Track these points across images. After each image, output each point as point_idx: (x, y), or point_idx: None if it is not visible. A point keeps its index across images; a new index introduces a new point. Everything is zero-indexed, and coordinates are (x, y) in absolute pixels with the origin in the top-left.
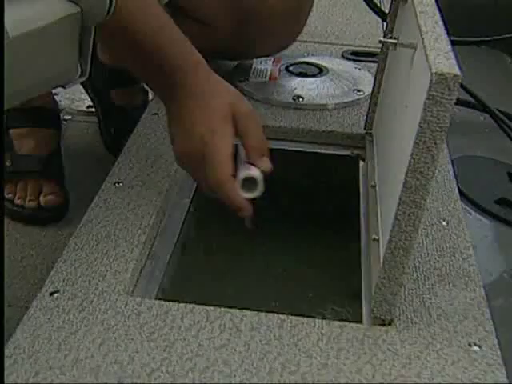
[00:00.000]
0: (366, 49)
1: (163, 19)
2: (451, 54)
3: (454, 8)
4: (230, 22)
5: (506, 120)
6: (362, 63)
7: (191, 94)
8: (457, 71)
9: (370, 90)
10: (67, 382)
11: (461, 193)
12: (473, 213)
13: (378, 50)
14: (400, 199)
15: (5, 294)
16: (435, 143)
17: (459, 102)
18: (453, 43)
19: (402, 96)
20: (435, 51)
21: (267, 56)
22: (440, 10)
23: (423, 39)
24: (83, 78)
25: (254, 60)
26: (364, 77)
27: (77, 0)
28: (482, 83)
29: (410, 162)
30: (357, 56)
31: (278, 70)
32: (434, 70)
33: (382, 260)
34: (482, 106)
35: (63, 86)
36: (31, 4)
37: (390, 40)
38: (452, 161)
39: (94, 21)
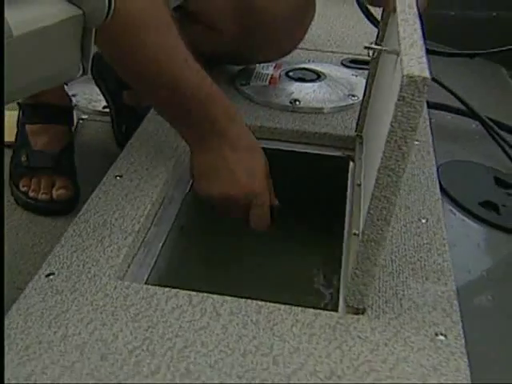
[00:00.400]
0: (365, 57)
1: (201, 73)
2: (424, 59)
3: (452, 22)
4: (236, 27)
5: (495, 127)
6: (360, 70)
7: (234, 147)
8: (426, 74)
9: None
10: (54, 356)
11: (447, 194)
12: (457, 213)
13: None
14: (372, 195)
15: (16, 279)
16: (406, 142)
17: (452, 110)
18: (447, 55)
19: (387, 99)
20: (409, 56)
21: (270, 61)
22: (421, 20)
23: (400, 45)
24: (84, 76)
25: (257, 65)
26: (360, 83)
27: (79, 3)
28: (478, 93)
29: (381, 159)
30: (355, 64)
31: (278, 75)
32: (405, 73)
33: (355, 252)
34: (472, 114)
35: (65, 83)
36: (36, 6)
37: (373, 46)
38: (441, 164)
39: (95, 23)
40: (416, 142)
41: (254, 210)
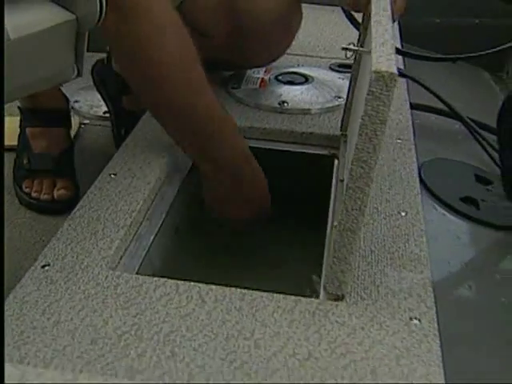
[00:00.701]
0: (352, 62)
1: (213, 106)
2: (392, 56)
3: (437, 29)
4: (227, 33)
5: (477, 128)
6: (347, 74)
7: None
8: (394, 70)
9: None
10: (47, 340)
11: (429, 191)
12: (438, 208)
13: None
14: (347, 185)
15: (18, 273)
16: (376, 134)
17: (436, 111)
18: (431, 59)
19: (362, 97)
20: (379, 53)
21: (260, 66)
22: (399, 25)
23: (372, 44)
24: (78, 78)
25: (248, 71)
26: (346, 86)
27: (73, 8)
28: (461, 95)
29: (354, 151)
30: (343, 68)
31: (268, 79)
32: (373, 69)
33: (333, 240)
34: (455, 115)
35: (61, 84)
36: (32, 11)
37: (350, 47)
38: (424, 162)
39: (87, 27)
40: (398, 141)
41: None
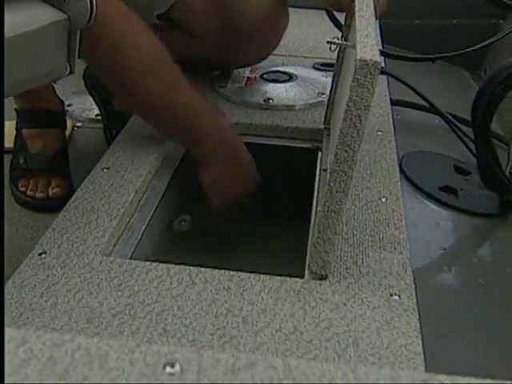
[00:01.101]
0: (335, 61)
1: (190, 92)
2: (376, 47)
3: (417, 30)
4: (216, 34)
5: (456, 122)
6: (330, 72)
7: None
8: (377, 59)
9: None
10: (45, 321)
11: (410, 181)
12: (419, 198)
13: None
14: (332, 169)
15: (16, 268)
16: (360, 120)
17: (417, 107)
18: (409, 59)
19: (346, 89)
20: (363, 44)
21: (249, 65)
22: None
23: (356, 35)
24: (71, 75)
25: (234, 71)
26: (329, 83)
27: (64, 8)
28: (442, 93)
29: (339, 136)
30: (326, 67)
31: (253, 77)
32: (358, 57)
33: (317, 222)
34: (435, 110)
35: (54, 81)
36: (25, 10)
37: (335, 41)
38: (405, 154)
39: (78, 26)
40: (379, 133)
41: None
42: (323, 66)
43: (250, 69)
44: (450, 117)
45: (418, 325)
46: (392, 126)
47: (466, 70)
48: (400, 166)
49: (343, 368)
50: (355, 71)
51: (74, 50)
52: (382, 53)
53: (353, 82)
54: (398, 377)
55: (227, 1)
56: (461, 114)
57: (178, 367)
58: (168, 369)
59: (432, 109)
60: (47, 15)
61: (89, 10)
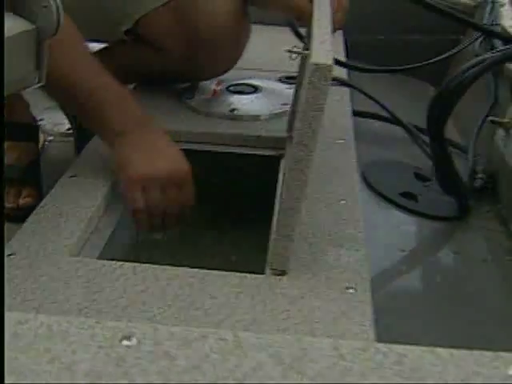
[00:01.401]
0: None
1: (90, 77)
2: (330, 53)
3: (382, 45)
4: (181, 47)
5: (416, 132)
6: (294, 85)
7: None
8: (330, 63)
9: None
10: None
11: (372, 188)
12: (380, 203)
13: None
14: (289, 168)
15: None
16: (315, 120)
17: (380, 118)
18: (369, 71)
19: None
20: (318, 49)
21: (214, 77)
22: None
23: (312, 43)
24: (40, 85)
25: (202, 83)
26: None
27: (32, 19)
28: (405, 105)
29: (296, 136)
30: (291, 80)
31: (219, 89)
32: (312, 61)
33: (276, 220)
34: (397, 121)
35: (23, 90)
36: None
37: (294, 50)
38: (368, 163)
39: (46, 36)
40: (340, 141)
41: (183, 189)
42: (288, 79)
43: (216, 81)
44: (411, 127)
45: (371, 315)
46: (353, 135)
47: (430, 83)
48: (363, 173)
49: (289, 338)
50: (310, 74)
51: (42, 60)
52: (344, 65)
53: (308, 84)
54: (340, 345)
55: (190, 14)
56: (422, 124)
57: (134, 340)
58: (125, 342)
59: (394, 119)
60: (15, 25)
61: (56, 21)
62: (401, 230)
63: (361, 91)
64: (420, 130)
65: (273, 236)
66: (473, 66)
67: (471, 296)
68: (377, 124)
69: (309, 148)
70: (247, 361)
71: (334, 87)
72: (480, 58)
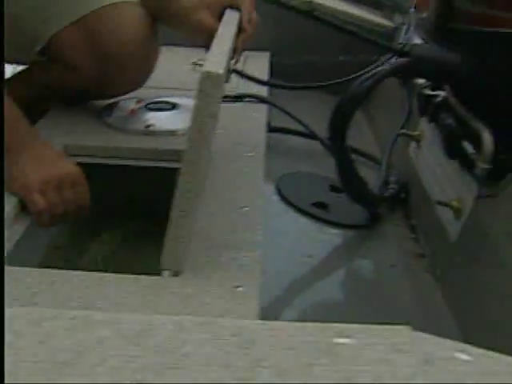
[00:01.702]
0: None
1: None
2: (223, 64)
3: (304, 67)
4: (90, 64)
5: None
6: None
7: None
8: (220, 72)
9: None
10: None
11: (284, 198)
12: (291, 213)
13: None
14: (181, 171)
15: None
16: (205, 126)
17: (299, 134)
18: (285, 88)
19: None
20: (211, 61)
21: (125, 93)
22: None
23: (209, 55)
24: None
25: (120, 100)
26: None
27: None
28: (324, 121)
29: (188, 141)
30: None
31: (137, 107)
32: (204, 70)
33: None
34: (313, 135)
35: None
36: None
37: (198, 62)
38: (284, 175)
39: None
40: (250, 154)
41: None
42: None
43: (135, 99)
44: (327, 141)
45: (256, 311)
46: (264, 148)
47: None
48: (277, 185)
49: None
50: (201, 82)
51: None
52: (262, 82)
53: (199, 91)
54: (182, 320)
55: (99, 31)
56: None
57: None
58: None
59: (311, 134)
60: None
61: None
62: (309, 237)
63: (279, 108)
64: None
65: (167, 238)
66: (368, 79)
67: (381, 298)
68: (296, 139)
69: (199, 152)
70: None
71: (253, 104)
72: (375, 71)
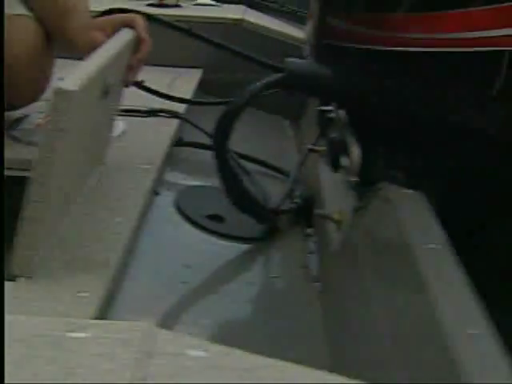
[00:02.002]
0: None
1: None
2: (80, 81)
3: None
4: None
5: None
6: None
7: None
8: (73, 89)
9: None
10: None
11: (181, 212)
12: (186, 226)
13: None
14: (31, 179)
15: None
16: (55, 139)
17: (208, 148)
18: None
19: None
20: (70, 78)
21: (23, 106)
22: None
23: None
24: None
25: (29, 115)
26: None
27: None
28: (255, 138)
29: (39, 152)
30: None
31: (44, 121)
32: (56, 86)
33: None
34: None
35: None
36: None
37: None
38: (183, 189)
39: None
40: (144, 166)
41: None
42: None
43: (44, 114)
44: (234, 155)
45: (94, 315)
46: (162, 162)
47: (288, 120)
48: (176, 198)
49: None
50: (53, 97)
51: None
52: (170, 97)
53: (52, 106)
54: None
55: None
56: (266, 156)
57: None
58: None
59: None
60: None
61: None
62: (193, 248)
63: (191, 123)
64: (253, 159)
65: (17, 243)
66: (244, 95)
67: (266, 309)
68: (208, 153)
69: (48, 163)
70: None
71: (165, 119)
72: (249, 87)
